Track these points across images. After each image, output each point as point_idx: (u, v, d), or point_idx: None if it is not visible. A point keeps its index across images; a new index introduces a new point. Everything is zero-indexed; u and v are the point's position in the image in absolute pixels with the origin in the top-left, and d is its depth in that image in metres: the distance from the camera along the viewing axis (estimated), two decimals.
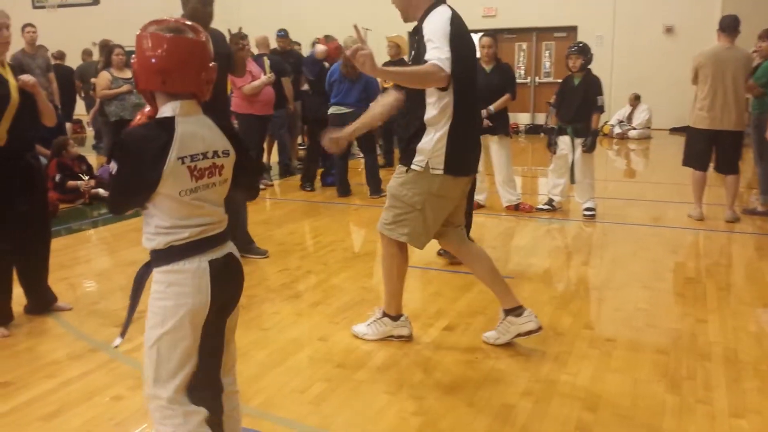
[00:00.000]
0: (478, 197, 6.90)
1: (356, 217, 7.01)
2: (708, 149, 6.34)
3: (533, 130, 15.05)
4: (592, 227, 6.38)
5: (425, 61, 3.10)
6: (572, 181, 6.58)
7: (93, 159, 9.69)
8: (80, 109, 12.71)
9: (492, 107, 6.48)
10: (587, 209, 6.58)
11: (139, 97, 8.83)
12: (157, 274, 2.08)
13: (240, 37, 5.03)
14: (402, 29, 5.81)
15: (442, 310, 4.14)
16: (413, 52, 3.37)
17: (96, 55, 12.53)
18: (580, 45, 6.53)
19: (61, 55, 12.89)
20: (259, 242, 5.46)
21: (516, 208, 6.86)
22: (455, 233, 3.63)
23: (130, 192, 2.03)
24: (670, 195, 7.58)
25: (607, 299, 4.40)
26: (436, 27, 3.18)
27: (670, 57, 13.86)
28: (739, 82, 6.12)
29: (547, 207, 6.87)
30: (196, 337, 2.09)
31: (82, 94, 12.19)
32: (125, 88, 8.62)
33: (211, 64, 2.08)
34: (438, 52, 3.09)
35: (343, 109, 7.41)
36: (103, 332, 3.86)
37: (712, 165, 6.48)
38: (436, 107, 3.26)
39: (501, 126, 6.68)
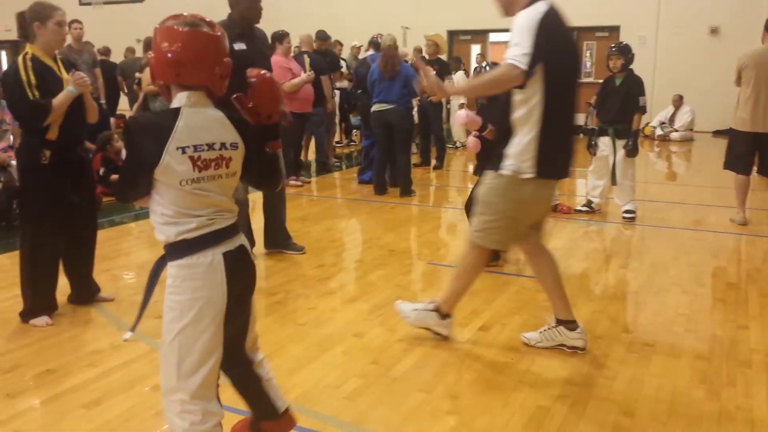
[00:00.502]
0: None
1: (392, 216, 7.02)
2: (750, 152, 6.21)
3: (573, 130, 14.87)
4: (632, 230, 6.29)
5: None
6: (613, 182, 6.49)
7: None
8: (123, 104, 12.94)
9: None
10: (627, 212, 6.49)
11: None
12: (171, 268, 2.09)
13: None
14: (440, 28, 5.81)
15: (477, 310, 4.13)
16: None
17: (139, 52, 12.77)
18: (621, 45, 6.45)
19: (106, 51, 13.14)
20: (297, 238, 5.51)
21: (554, 209, 6.80)
22: (534, 235, 3.55)
23: (131, 177, 2.08)
24: (712, 199, 7.44)
25: (646, 303, 4.34)
26: (522, 23, 3.09)
27: (715, 58, 13.58)
28: None
29: (585, 209, 6.80)
30: (217, 330, 2.10)
31: (125, 90, 12.41)
32: None
33: (225, 59, 2.12)
34: (516, 49, 3.03)
35: (386, 106, 7.47)
36: (145, 323, 3.86)
37: (755, 169, 6.34)
38: (524, 108, 3.16)
39: None
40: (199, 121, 2.05)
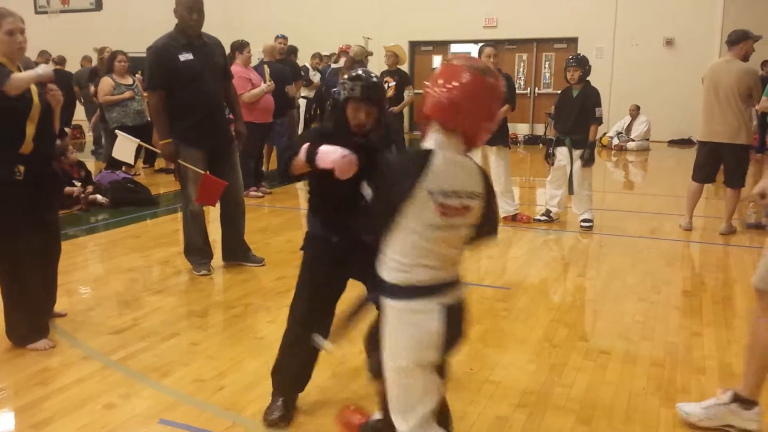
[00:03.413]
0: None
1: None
2: (709, 162, 6.36)
3: (532, 140, 15.07)
4: (589, 239, 6.38)
5: None
6: (570, 192, 6.58)
7: (91, 165, 9.69)
8: (79, 114, 12.72)
9: None
10: (584, 221, 6.58)
11: (140, 103, 8.88)
12: (391, 308, 2.10)
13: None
14: (402, 39, 5.83)
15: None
16: None
17: (96, 61, 12.56)
18: (579, 57, 6.55)
19: (61, 60, 12.91)
20: (256, 250, 5.45)
21: (513, 219, 6.85)
22: None
23: (379, 210, 2.05)
24: (668, 207, 7.58)
25: (603, 311, 4.40)
26: None
27: (670, 70, 13.91)
28: (732, 95, 6.09)
29: (544, 218, 6.87)
30: (429, 376, 2.12)
31: (81, 100, 12.20)
32: (127, 94, 8.65)
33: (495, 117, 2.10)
34: None
35: None
36: (97, 340, 3.85)
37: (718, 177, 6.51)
38: None
39: (500, 136, 6.69)
40: (450, 166, 2.02)
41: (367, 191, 2.09)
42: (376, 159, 2.17)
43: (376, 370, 2.28)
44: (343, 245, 2.67)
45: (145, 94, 9.16)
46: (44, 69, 3.65)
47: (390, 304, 2.10)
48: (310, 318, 2.82)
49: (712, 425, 2.87)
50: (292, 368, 2.94)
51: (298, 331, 2.85)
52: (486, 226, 2.18)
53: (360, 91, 2.48)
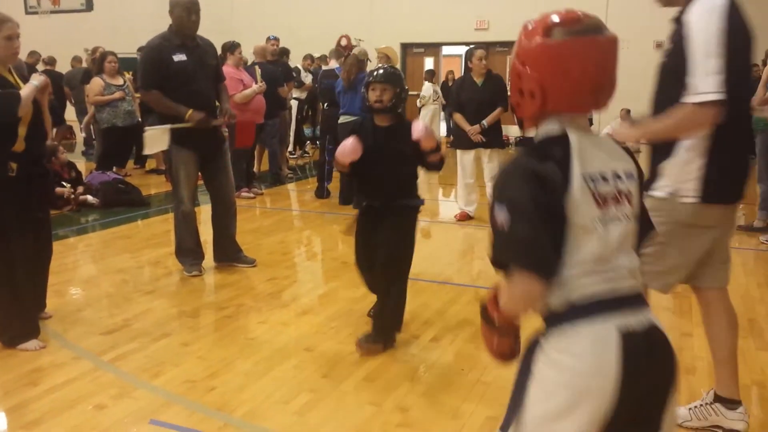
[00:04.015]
0: (468, 209, 6.92)
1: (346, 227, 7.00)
2: None
3: (523, 142, 15.11)
4: None
5: (683, 86, 2.41)
6: None
7: (82, 165, 9.66)
8: (70, 114, 12.66)
9: (485, 121, 6.53)
10: None
11: (131, 104, 8.85)
12: (544, 342, 1.54)
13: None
14: (393, 41, 5.84)
15: (429, 321, 4.14)
16: (670, 47, 2.67)
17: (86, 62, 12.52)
18: None
19: (51, 61, 12.87)
20: (248, 251, 5.44)
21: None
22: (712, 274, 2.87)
23: (538, 236, 1.45)
24: None
25: None
26: (707, 29, 2.38)
27: None
28: None
29: None
30: None
31: (72, 101, 12.15)
32: (118, 95, 8.63)
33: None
34: (705, 80, 2.34)
35: (350, 118, 7.43)
36: (88, 340, 3.84)
37: None
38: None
39: (495, 139, 6.72)
40: (588, 144, 1.53)
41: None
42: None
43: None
44: (379, 209, 3.66)
45: (137, 94, 9.21)
46: (39, 80, 3.71)
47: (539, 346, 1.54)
48: (359, 260, 3.85)
49: (700, 426, 2.85)
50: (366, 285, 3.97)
51: (361, 256, 3.85)
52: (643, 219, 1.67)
53: (377, 75, 3.54)
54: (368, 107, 3.59)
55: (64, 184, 7.45)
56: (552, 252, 1.46)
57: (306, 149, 12.32)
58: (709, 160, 2.53)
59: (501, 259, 1.51)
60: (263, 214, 7.64)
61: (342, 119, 7.56)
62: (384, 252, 3.60)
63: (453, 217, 7.05)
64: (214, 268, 5.27)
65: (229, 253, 5.30)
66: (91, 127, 10.44)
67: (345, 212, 7.51)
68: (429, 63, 16.38)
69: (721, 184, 2.57)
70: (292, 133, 11.36)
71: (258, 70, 8.19)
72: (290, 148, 11.62)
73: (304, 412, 3.03)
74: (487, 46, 7.00)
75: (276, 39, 9.57)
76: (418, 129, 3.46)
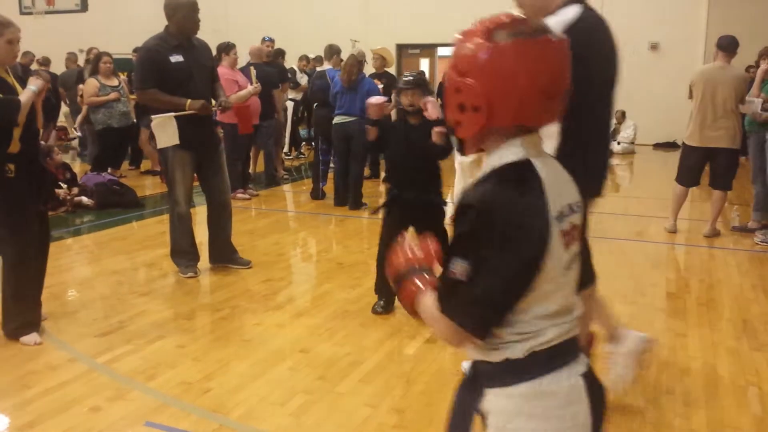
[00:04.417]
0: None
1: (341, 228, 7.00)
2: (699, 166, 6.41)
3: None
4: None
5: None
6: None
7: (77, 167, 9.63)
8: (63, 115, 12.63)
9: None
10: None
11: (126, 105, 8.83)
12: (502, 399, 1.37)
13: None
14: (389, 42, 5.85)
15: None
16: None
17: (82, 62, 12.48)
18: None
19: (46, 62, 12.82)
20: (243, 252, 5.43)
21: None
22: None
23: (510, 294, 1.30)
24: (653, 210, 7.64)
25: None
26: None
27: (655, 74, 14.01)
28: (729, 101, 6.16)
29: None
30: None
31: (67, 102, 12.11)
32: (113, 95, 8.61)
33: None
34: None
35: (347, 118, 7.44)
36: (83, 342, 3.83)
37: (704, 180, 6.55)
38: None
39: None
40: (551, 176, 1.36)
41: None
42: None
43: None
44: (411, 201, 4.07)
45: (132, 96, 9.18)
46: (37, 84, 3.76)
47: (496, 394, 1.39)
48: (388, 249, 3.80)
49: None
50: (381, 269, 4.24)
51: (382, 252, 4.17)
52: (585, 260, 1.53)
53: (408, 82, 4.13)
54: (401, 110, 4.23)
55: (61, 185, 7.44)
56: (504, 317, 1.31)
57: (301, 150, 12.31)
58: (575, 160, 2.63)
59: (443, 310, 1.32)
60: (258, 215, 7.63)
61: (338, 119, 7.57)
62: None
63: (449, 219, 7.05)
64: (210, 269, 5.26)
65: (224, 255, 5.30)
66: (85, 127, 10.39)
67: (340, 213, 7.52)
68: (424, 64, 16.39)
69: (587, 180, 2.68)
70: (288, 135, 11.35)
71: (253, 72, 8.18)
72: (285, 149, 11.61)
73: (299, 414, 3.03)
74: None
75: (271, 40, 9.56)
76: (426, 99, 4.14)
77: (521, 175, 1.32)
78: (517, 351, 1.33)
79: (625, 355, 3.11)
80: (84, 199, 7.45)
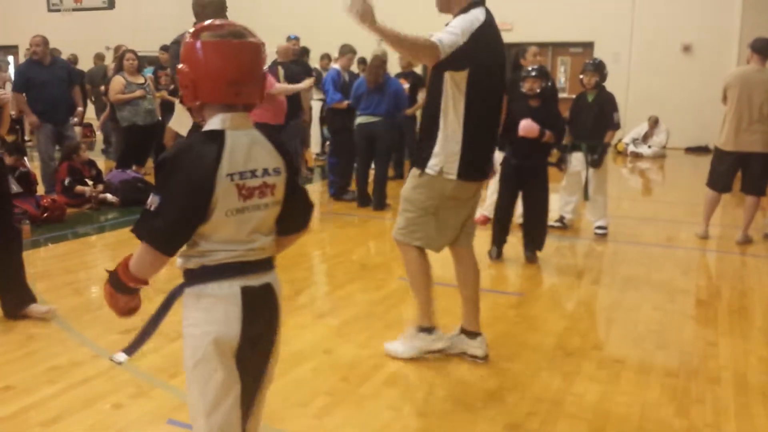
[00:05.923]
0: (487, 213, 6.85)
1: (364, 229, 6.97)
2: (731, 171, 6.27)
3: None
4: (604, 246, 6.31)
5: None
6: (585, 198, 6.51)
7: (102, 163, 9.71)
8: (90, 112, 12.75)
9: None
10: (599, 227, 6.51)
11: (152, 102, 8.88)
12: (187, 297, 1.93)
13: None
14: None
15: (448, 326, 4.08)
16: None
17: (108, 59, 12.60)
18: (596, 62, 6.49)
19: (73, 59, 12.97)
20: None
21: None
22: (462, 240, 3.61)
23: (183, 220, 1.81)
24: (684, 215, 7.51)
25: (617, 320, 4.34)
26: (463, 20, 3.21)
27: (687, 76, 13.79)
28: (766, 105, 6.02)
29: (558, 224, 6.80)
30: (230, 370, 1.90)
31: (93, 99, 12.23)
32: (139, 93, 8.65)
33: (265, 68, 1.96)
34: (448, 37, 3.12)
35: (373, 118, 7.39)
36: (106, 338, 3.83)
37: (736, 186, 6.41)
38: (450, 111, 3.27)
39: None
40: (243, 144, 1.85)
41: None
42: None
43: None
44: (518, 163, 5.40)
45: (158, 93, 9.24)
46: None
47: (186, 292, 1.93)
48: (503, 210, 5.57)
49: (452, 352, 3.62)
50: (499, 223, 5.61)
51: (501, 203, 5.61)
52: (292, 202, 2.01)
53: (531, 72, 5.40)
54: (523, 94, 5.38)
55: (87, 182, 7.49)
56: (183, 240, 1.84)
57: (325, 149, 12.32)
58: (464, 147, 3.28)
59: (139, 235, 1.83)
60: None
61: (361, 119, 7.51)
62: (535, 198, 5.49)
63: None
64: None
65: None
66: (108, 125, 10.47)
67: (364, 214, 7.49)
68: None
69: (474, 166, 3.38)
70: (315, 134, 11.37)
71: (281, 71, 8.18)
72: (318, 150, 11.66)
73: (322, 416, 3.00)
74: (510, 47, 6.93)
75: (296, 39, 9.55)
76: (521, 126, 5.14)
77: (207, 138, 1.82)
78: (193, 263, 1.88)
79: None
80: (109, 196, 7.50)
